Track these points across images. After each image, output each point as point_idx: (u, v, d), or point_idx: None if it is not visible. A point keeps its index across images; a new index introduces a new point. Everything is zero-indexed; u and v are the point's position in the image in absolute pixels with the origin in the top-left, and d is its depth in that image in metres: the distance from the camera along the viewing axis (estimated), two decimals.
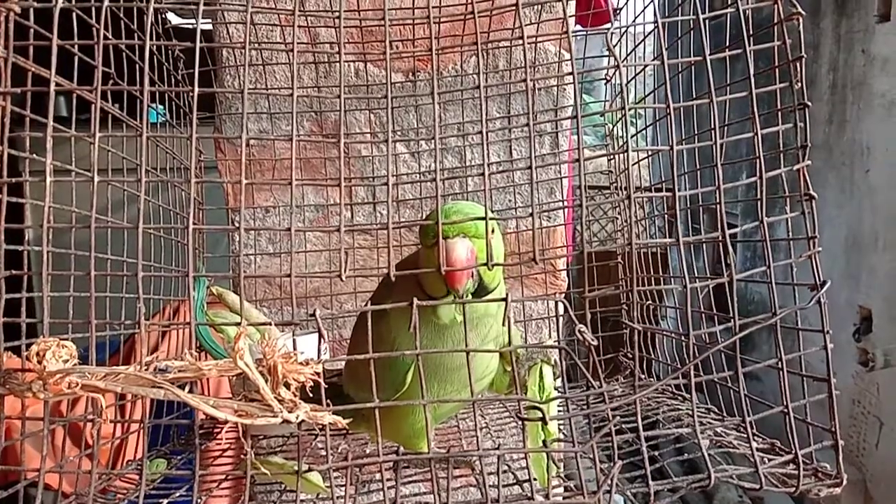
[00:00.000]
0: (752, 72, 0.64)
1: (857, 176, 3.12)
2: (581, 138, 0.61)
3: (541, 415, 0.60)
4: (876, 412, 3.09)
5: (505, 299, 0.60)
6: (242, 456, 0.62)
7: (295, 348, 0.58)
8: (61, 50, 0.64)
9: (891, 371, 2.91)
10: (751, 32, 0.67)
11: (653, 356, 1.04)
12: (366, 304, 0.84)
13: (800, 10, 0.64)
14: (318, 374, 0.57)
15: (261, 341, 0.57)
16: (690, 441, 0.81)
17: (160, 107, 1.10)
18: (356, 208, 1.25)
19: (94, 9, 0.70)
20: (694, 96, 0.86)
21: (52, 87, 0.63)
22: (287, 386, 0.57)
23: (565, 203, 1.21)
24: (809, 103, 0.66)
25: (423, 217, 1.20)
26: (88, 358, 0.61)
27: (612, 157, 1.15)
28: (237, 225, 1.23)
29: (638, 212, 1.14)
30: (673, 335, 0.90)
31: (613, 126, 1.17)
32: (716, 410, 0.85)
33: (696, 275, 0.69)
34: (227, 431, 1.06)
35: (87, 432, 1.42)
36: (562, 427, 0.94)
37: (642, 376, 0.99)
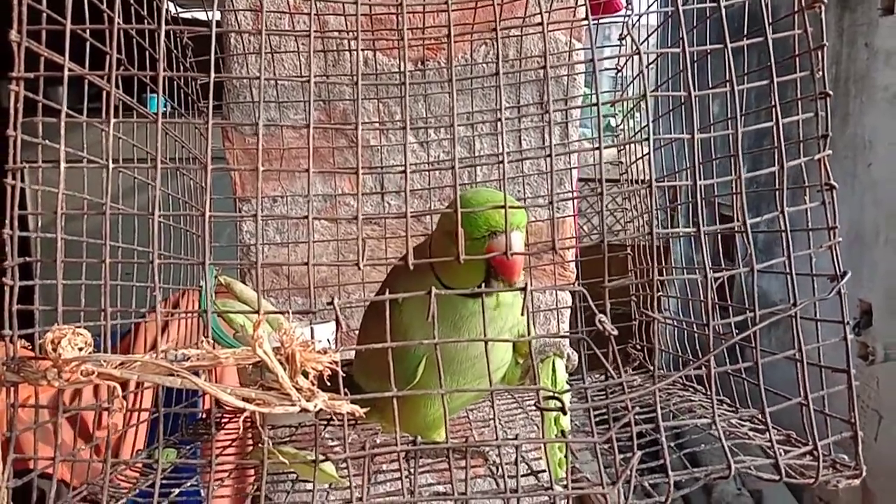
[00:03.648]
0: (773, 60, 0.63)
1: (860, 170, 3.11)
2: (601, 126, 0.61)
3: (559, 405, 0.60)
4: (875, 406, 3.10)
5: (524, 288, 0.60)
6: (259, 445, 0.62)
7: (312, 337, 0.58)
8: (71, 39, 0.63)
9: (890, 365, 2.92)
10: (769, 21, 0.67)
11: (662, 347, 1.04)
12: (376, 294, 0.83)
13: None
14: (335, 362, 0.57)
15: (278, 330, 0.57)
16: (692, 434, 0.80)
17: (163, 97, 1.09)
18: (364, 198, 1.24)
19: None
20: (701, 88, 0.85)
21: (66, 71, 0.62)
22: (305, 374, 0.56)
23: (575, 193, 1.21)
24: (831, 93, 0.65)
25: (431, 206, 1.19)
26: (99, 347, 0.60)
27: (622, 147, 1.14)
28: (245, 214, 1.23)
29: (640, 204, 1.13)
30: (692, 326, 0.89)
31: (624, 117, 1.16)
32: (728, 402, 0.85)
33: (699, 267, 0.69)
34: (234, 421, 1.06)
35: (92, 424, 1.42)
36: (573, 419, 0.94)
37: (653, 368, 0.99)
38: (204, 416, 1.14)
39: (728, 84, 0.63)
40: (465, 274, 0.70)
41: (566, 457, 0.66)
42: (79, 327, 0.57)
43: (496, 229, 0.67)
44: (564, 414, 0.64)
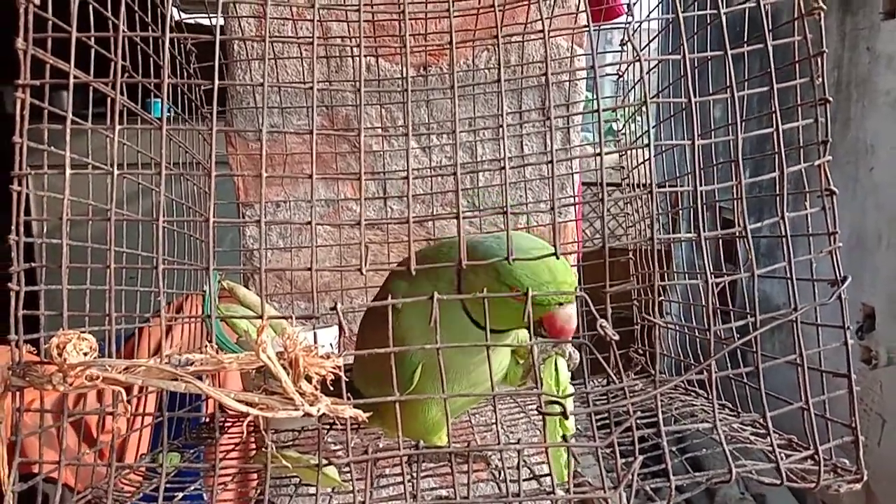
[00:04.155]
0: (773, 66, 0.64)
1: (862, 174, 3.11)
2: (602, 132, 0.61)
3: (561, 410, 0.60)
4: (879, 410, 3.09)
5: (526, 294, 0.60)
6: (263, 449, 0.62)
7: (315, 342, 0.58)
8: (76, 46, 0.63)
9: (893, 369, 2.91)
10: (770, 27, 0.67)
11: (664, 351, 1.04)
12: (374, 299, 0.83)
13: (822, 4, 0.64)
14: (338, 367, 0.57)
15: (281, 334, 0.57)
16: (694, 438, 0.81)
17: (167, 103, 1.10)
18: (367, 203, 1.25)
19: (110, 1, 0.70)
20: (703, 93, 0.85)
21: (71, 78, 0.63)
22: (308, 379, 0.56)
23: (577, 199, 1.21)
24: (830, 99, 0.65)
25: (434, 211, 1.20)
26: (104, 351, 0.61)
27: (623, 153, 1.14)
28: (248, 219, 1.24)
29: (642, 209, 1.14)
30: (693, 330, 0.89)
31: (626, 122, 1.17)
32: (730, 406, 0.85)
33: (699, 272, 0.69)
34: (237, 426, 1.06)
35: (96, 428, 1.42)
36: (575, 423, 0.94)
37: (655, 372, 0.99)
38: (207, 420, 1.15)
39: (728, 90, 0.63)
40: (508, 321, 0.70)
41: (567, 461, 0.66)
42: (84, 332, 0.57)
43: (564, 302, 0.69)
44: (566, 418, 0.64)
